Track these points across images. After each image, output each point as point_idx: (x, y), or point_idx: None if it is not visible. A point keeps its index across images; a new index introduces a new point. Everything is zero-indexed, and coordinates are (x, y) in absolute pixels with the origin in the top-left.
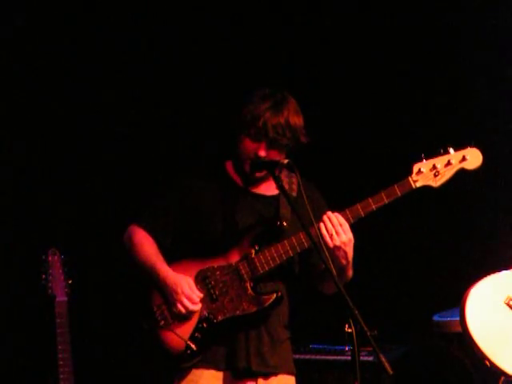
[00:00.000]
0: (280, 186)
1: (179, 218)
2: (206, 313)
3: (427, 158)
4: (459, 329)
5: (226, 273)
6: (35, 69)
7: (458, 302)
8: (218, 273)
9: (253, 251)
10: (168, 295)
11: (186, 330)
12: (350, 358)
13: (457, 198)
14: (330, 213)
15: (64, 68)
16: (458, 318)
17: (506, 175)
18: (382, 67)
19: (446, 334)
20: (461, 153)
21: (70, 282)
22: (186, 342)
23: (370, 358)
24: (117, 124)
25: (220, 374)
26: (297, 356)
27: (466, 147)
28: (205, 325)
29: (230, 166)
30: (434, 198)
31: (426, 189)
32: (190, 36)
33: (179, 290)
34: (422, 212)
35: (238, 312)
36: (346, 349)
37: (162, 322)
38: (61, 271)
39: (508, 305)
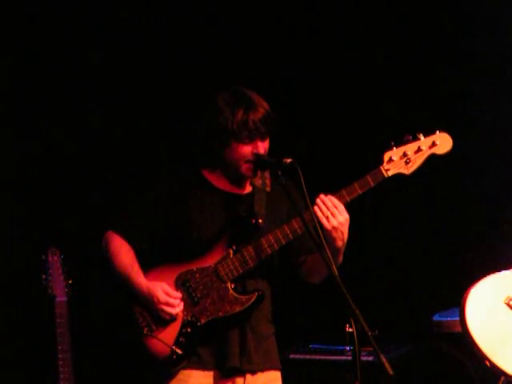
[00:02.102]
0: (283, 186)
1: (156, 223)
2: (188, 317)
3: (397, 145)
4: (459, 329)
5: (205, 275)
6: (33, 70)
7: (458, 302)
8: (197, 275)
9: (231, 251)
10: (147, 305)
11: (170, 335)
12: (350, 358)
13: (457, 198)
14: (322, 195)
15: (65, 70)
16: (457, 318)
17: (506, 175)
18: (351, 59)
19: (446, 334)
20: (430, 138)
21: (70, 281)
22: (171, 347)
23: (370, 358)
24: (117, 124)
25: (209, 373)
26: (297, 356)
27: (435, 132)
28: (189, 329)
29: (206, 172)
30: (434, 198)
31: (399, 177)
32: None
33: (155, 300)
34: (422, 212)
35: (220, 313)
36: (347, 349)
37: (146, 329)
38: (61, 271)
39: (508, 305)
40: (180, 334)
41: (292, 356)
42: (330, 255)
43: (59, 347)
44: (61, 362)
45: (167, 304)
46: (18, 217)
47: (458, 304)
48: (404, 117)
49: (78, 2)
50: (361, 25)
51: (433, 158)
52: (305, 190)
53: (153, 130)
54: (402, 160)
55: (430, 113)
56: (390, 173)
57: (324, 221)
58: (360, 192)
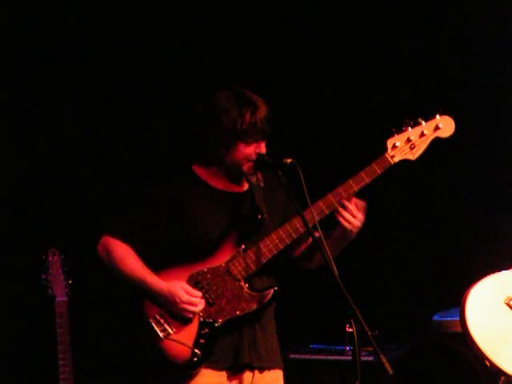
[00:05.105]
0: (283, 184)
1: (158, 226)
2: (205, 318)
3: (399, 132)
4: (459, 329)
5: (217, 274)
6: (33, 70)
7: (458, 302)
8: (208, 276)
9: (241, 249)
10: (168, 306)
11: (189, 337)
12: (350, 358)
13: (457, 198)
14: (345, 201)
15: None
16: (457, 318)
17: (506, 175)
18: (348, 47)
19: (446, 334)
20: (433, 122)
21: (70, 281)
22: (192, 349)
23: (370, 358)
24: (116, 125)
25: (220, 372)
26: (297, 356)
27: (435, 115)
28: (207, 330)
29: (200, 172)
30: (435, 198)
31: (404, 163)
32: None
33: (178, 300)
34: (421, 212)
35: (238, 312)
36: (347, 349)
37: (162, 334)
38: (61, 271)
39: (508, 305)
40: (199, 335)
41: (292, 356)
42: (329, 255)
43: (59, 347)
44: (61, 362)
45: (190, 303)
46: (18, 217)
47: (458, 304)
48: (399, 105)
49: (78, 2)
50: (354, 15)
51: (436, 143)
52: (305, 190)
53: (152, 129)
54: (406, 145)
55: (426, 101)
56: (396, 159)
57: (346, 224)
58: (367, 181)
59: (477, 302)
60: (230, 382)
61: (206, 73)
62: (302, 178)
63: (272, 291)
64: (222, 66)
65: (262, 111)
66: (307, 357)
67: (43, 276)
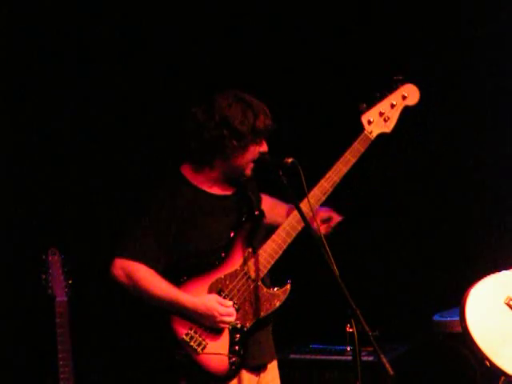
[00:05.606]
0: (284, 185)
1: (167, 243)
2: (234, 324)
3: (369, 106)
4: (459, 329)
5: (236, 279)
6: (33, 71)
7: (458, 302)
8: (228, 282)
9: (250, 250)
10: (203, 321)
11: (223, 346)
12: (350, 358)
13: (457, 200)
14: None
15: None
16: (457, 318)
17: (507, 175)
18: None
19: (446, 334)
20: (399, 92)
21: (70, 281)
22: (229, 357)
23: (371, 358)
24: (118, 125)
25: (250, 373)
26: (297, 356)
27: (398, 85)
28: (238, 335)
29: (196, 179)
30: (435, 199)
31: (382, 136)
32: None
33: (216, 313)
34: (421, 213)
35: (262, 313)
36: (347, 349)
37: (199, 348)
38: (61, 271)
39: (508, 305)
40: (232, 343)
41: (292, 356)
42: (330, 256)
43: (59, 347)
44: (61, 362)
45: (227, 314)
46: (18, 217)
47: (458, 304)
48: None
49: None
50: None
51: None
52: (305, 189)
53: (151, 130)
54: (381, 118)
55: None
56: (374, 134)
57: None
58: (354, 160)
59: (477, 302)
60: (252, 381)
61: (203, 72)
62: (303, 177)
63: (289, 285)
64: (219, 65)
65: (267, 110)
66: (307, 357)
67: (43, 276)
